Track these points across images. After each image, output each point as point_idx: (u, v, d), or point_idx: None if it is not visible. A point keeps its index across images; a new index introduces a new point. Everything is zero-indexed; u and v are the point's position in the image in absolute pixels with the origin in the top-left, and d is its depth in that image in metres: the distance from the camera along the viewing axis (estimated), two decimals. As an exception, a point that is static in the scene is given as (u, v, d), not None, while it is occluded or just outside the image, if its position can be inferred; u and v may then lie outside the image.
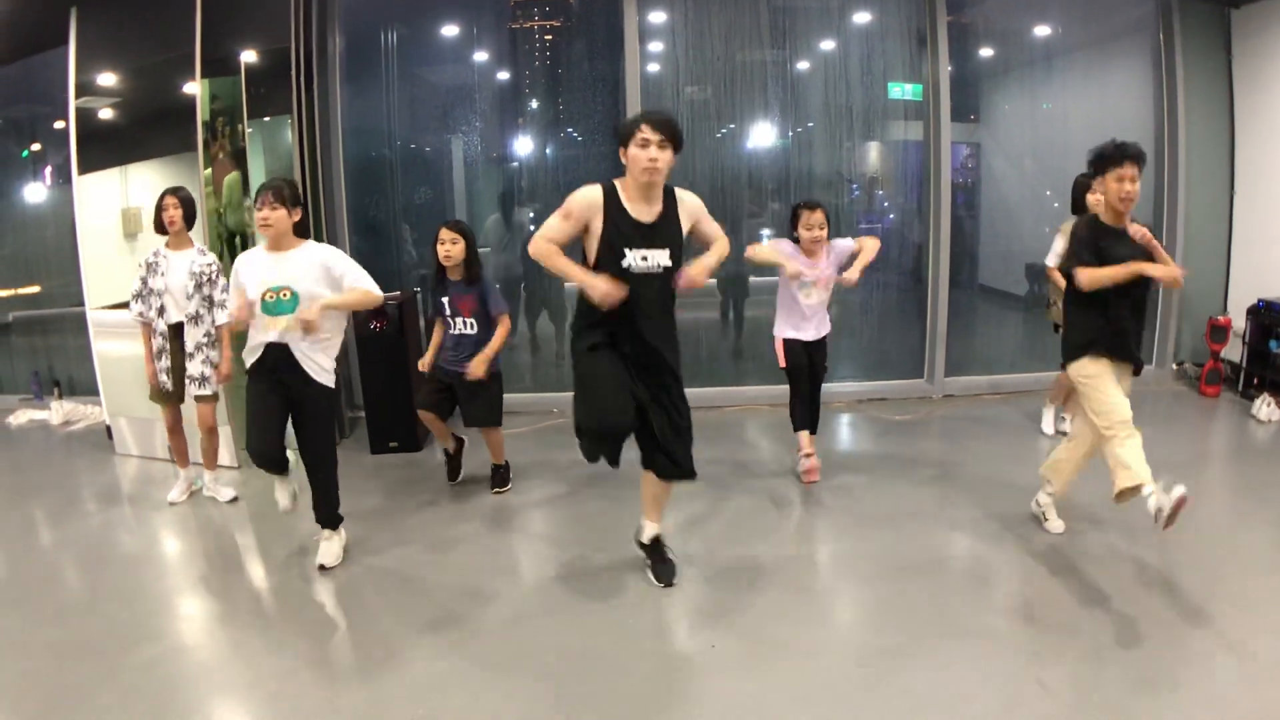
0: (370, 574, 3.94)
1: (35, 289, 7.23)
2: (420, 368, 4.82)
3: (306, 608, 3.66)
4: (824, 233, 4.57)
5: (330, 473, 3.97)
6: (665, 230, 3.35)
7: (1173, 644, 3.14)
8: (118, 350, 5.73)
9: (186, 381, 4.72)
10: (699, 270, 3.36)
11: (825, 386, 5.03)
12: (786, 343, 4.75)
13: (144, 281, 4.69)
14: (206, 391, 4.73)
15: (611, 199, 3.29)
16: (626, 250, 3.28)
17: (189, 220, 4.72)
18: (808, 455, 4.82)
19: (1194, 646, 3.12)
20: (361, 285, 3.78)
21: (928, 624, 3.36)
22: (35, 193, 7.20)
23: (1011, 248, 7.02)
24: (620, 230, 3.28)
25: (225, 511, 4.77)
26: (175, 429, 4.91)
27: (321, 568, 3.92)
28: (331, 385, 3.86)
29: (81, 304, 5.89)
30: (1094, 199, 4.98)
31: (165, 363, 4.74)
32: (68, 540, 4.46)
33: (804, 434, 4.84)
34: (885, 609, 3.54)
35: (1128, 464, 3.53)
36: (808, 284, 4.63)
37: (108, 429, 5.91)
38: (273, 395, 3.76)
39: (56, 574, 4.09)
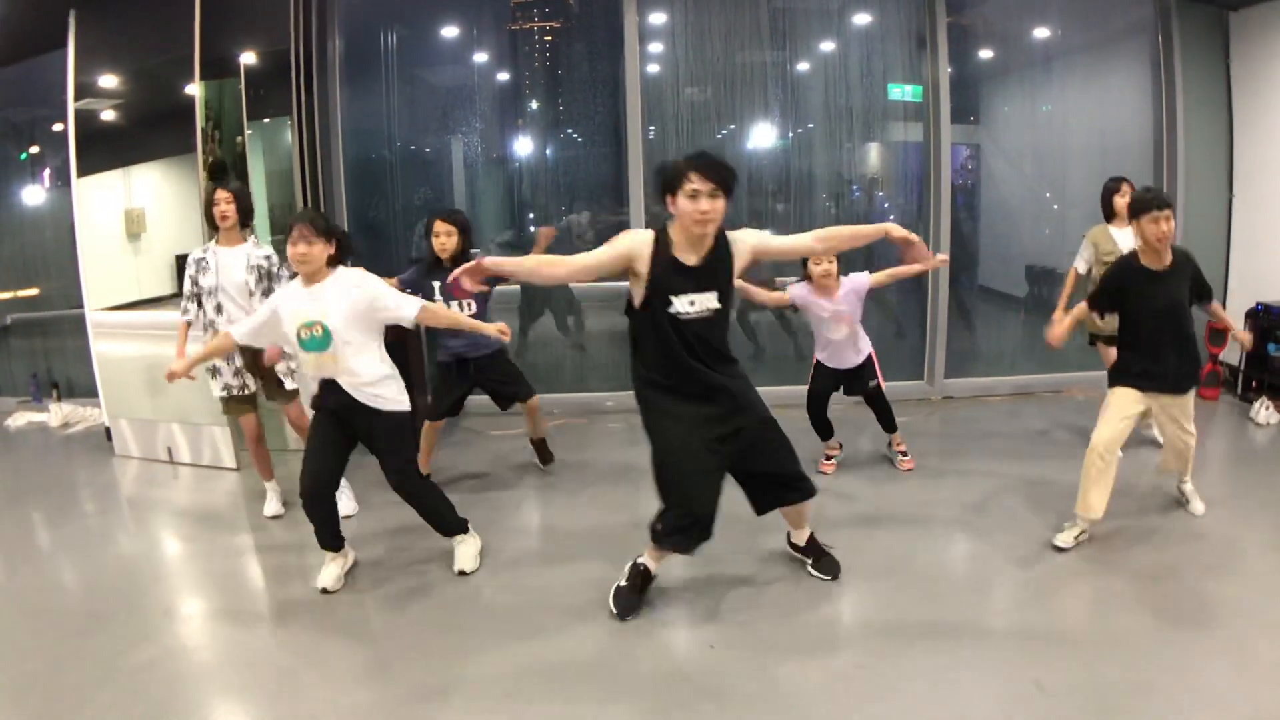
0: (371, 574, 3.92)
1: (34, 291, 7.22)
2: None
3: (306, 609, 3.64)
4: (833, 266, 4.58)
5: (427, 496, 3.84)
6: (713, 272, 3.22)
7: (1172, 645, 3.13)
8: (117, 352, 5.74)
9: (277, 378, 4.56)
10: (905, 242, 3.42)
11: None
12: (817, 365, 4.88)
13: (194, 282, 4.47)
14: (293, 385, 4.58)
15: (662, 245, 3.18)
16: (673, 297, 3.18)
17: (244, 215, 4.51)
18: (829, 456, 5.07)
19: (1193, 648, 3.11)
20: (418, 305, 3.63)
21: (926, 624, 3.35)
22: (34, 195, 7.19)
23: (1011, 249, 7.02)
24: (669, 275, 3.17)
25: (225, 513, 4.76)
26: (258, 437, 4.65)
27: (461, 573, 3.82)
28: (401, 409, 3.68)
29: (80, 306, 5.89)
30: (1122, 201, 5.01)
31: (237, 363, 4.51)
32: (67, 542, 4.45)
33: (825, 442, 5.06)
34: (883, 609, 3.53)
35: (1086, 488, 3.91)
36: (826, 318, 4.67)
37: (107, 431, 5.90)
38: (330, 429, 3.66)
39: (56, 576, 4.08)
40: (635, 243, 3.19)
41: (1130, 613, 3.38)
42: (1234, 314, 6.49)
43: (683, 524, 3.29)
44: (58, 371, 7.09)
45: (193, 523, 4.66)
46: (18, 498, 5.09)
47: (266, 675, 3.15)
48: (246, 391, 4.57)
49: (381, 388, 3.61)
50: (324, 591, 3.71)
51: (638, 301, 3.23)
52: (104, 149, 5.92)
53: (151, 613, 3.63)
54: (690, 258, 3.19)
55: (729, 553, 4.00)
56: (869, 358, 4.82)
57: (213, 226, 4.54)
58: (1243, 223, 6.66)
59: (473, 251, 4.61)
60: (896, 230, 3.39)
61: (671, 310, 3.18)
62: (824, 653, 3.21)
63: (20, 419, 6.68)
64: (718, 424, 3.29)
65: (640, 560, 3.57)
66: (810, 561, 3.78)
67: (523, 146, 6.85)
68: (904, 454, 5.05)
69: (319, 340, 3.50)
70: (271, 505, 4.66)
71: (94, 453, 5.89)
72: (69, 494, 5.16)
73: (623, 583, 3.54)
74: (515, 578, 3.90)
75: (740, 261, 3.30)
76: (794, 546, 3.84)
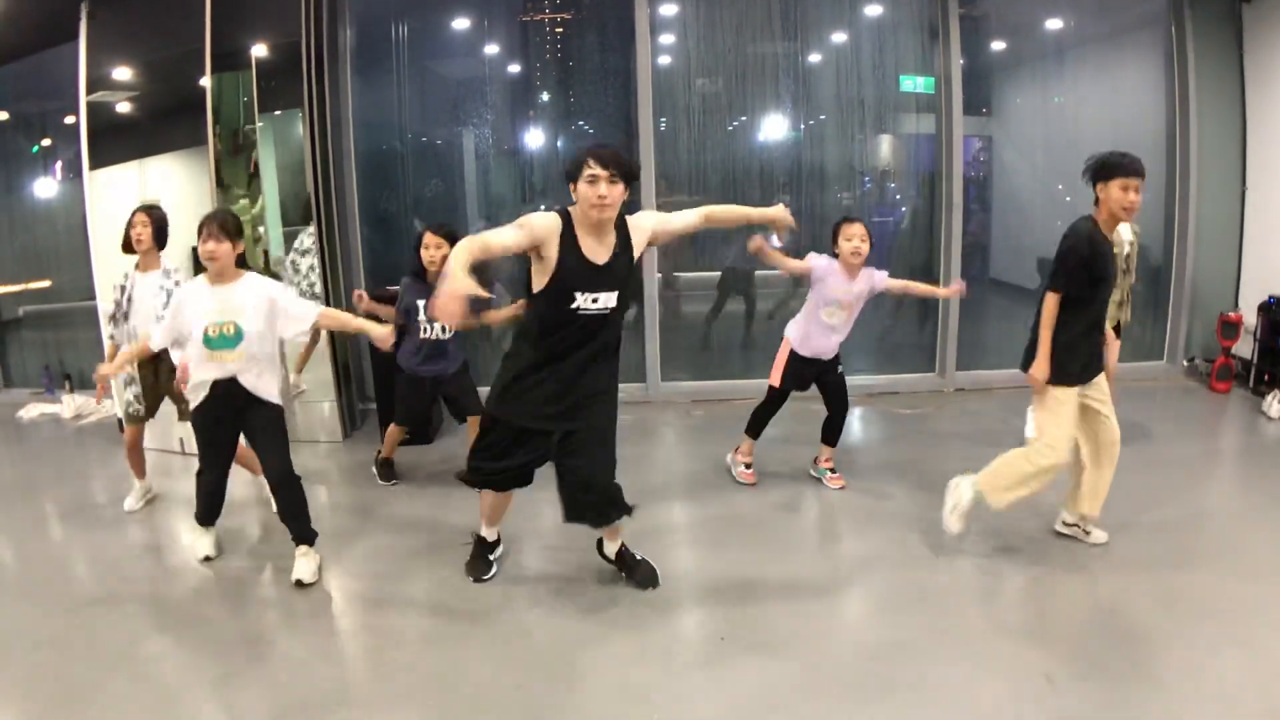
0: (379, 565, 3.95)
1: (46, 283, 7.24)
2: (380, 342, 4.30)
3: (316, 600, 3.66)
4: (865, 246, 4.33)
5: (296, 489, 3.86)
6: (618, 270, 3.22)
7: (1181, 641, 3.13)
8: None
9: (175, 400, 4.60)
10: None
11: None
12: (792, 355, 4.56)
13: (117, 304, 4.48)
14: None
15: (568, 232, 3.15)
16: (578, 294, 3.16)
17: (159, 239, 4.42)
18: (748, 464, 4.82)
19: (1202, 643, 3.10)
20: (317, 311, 3.81)
21: (936, 618, 3.35)
22: (46, 188, 7.21)
23: (1023, 241, 7.00)
24: (575, 271, 3.14)
25: (235, 503, 4.75)
26: (135, 446, 4.66)
27: (299, 583, 3.74)
28: (280, 404, 3.83)
29: (92, 298, 5.90)
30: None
31: (135, 388, 4.57)
32: (79, 533, 4.47)
33: (749, 442, 4.83)
34: (894, 603, 3.53)
35: (1014, 487, 3.71)
36: (836, 299, 4.43)
37: (119, 422, 5.91)
38: (220, 429, 3.80)
39: (67, 566, 4.10)
40: (545, 226, 3.13)
41: (1140, 608, 3.37)
42: (1246, 307, 6.48)
43: (481, 478, 3.54)
44: (70, 363, 7.11)
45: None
46: (31, 489, 5.12)
47: (277, 666, 3.16)
48: (143, 413, 4.62)
49: (273, 384, 3.78)
50: (299, 584, 3.74)
51: (538, 286, 3.19)
52: (116, 142, 5.94)
53: (161, 604, 3.65)
54: (599, 255, 3.17)
55: (737, 546, 4.01)
56: (838, 355, 4.62)
57: (128, 249, 4.44)
58: (1256, 216, 6.63)
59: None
60: (783, 217, 3.60)
61: (574, 305, 3.17)
62: (834, 646, 3.21)
63: (33, 410, 6.70)
64: (556, 420, 3.33)
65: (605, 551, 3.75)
66: (625, 575, 3.71)
67: (534, 138, 6.84)
68: (833, 470, 4.75)
69: (229, 339, 3.61)
70: (134, 499, 4.76)
71: (106, 444, 5.91)
72: (81, 485, 5.18)
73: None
74: (522, 570, 3.92)
75: (639, 247, 3.34)
76: (605, 557, 3.79)
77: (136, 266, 4.47)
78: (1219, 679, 2.89)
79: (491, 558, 3.84)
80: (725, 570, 3.74)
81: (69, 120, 6.59)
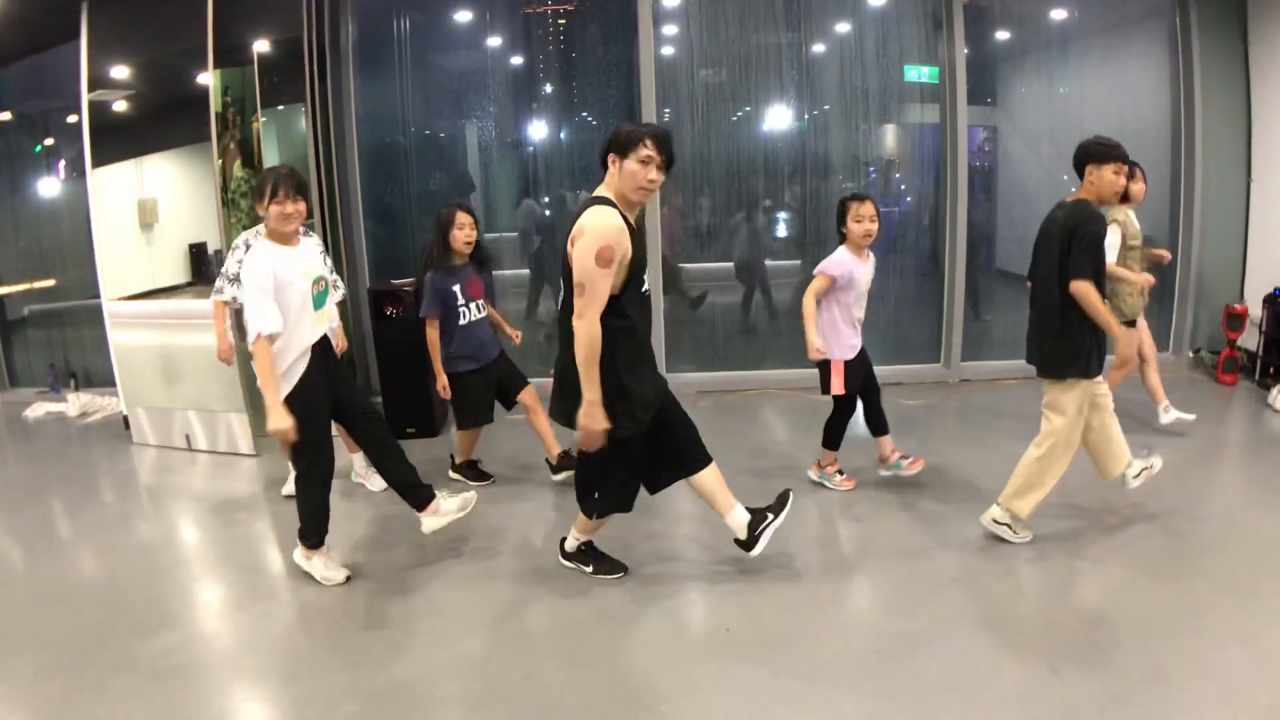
0: (387, 560, 3.94)
1: (51, 282, 7.24)
2: (443, 393, 4.49)
3: (324, 594, 3.65)
4: (875, 226, 4.19)
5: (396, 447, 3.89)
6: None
7: (1187, 633, 3.11)
8: (134, 341, 5.75)
9: None
10: None
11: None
12: (848, 366, 4.30)
13: (240, 264, 4.38)
14: None
15: (626, 222, 3.02)
16: (645, 276, 3.12)
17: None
18: (841, 470, 4.61)
19: (1209, 636, 3.09)
20: (342, 293, 3.95)
21: (942, 610, 3.34)
22: (49, 187, 7.22)
23: (1029, 232, 6.90)
24: (639, 255, 3.08)
25: (243, 500, 4.78)
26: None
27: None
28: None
29: (97, 296, 5.90)
30: (1138, 187, 4.93)
31: None
32: (86, 531, 4.47)
33: (830, 454, 4.59)
34: (899, 594, 3.52)
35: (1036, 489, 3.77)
36: (860, 293, 4.27)
37: (125, 419, 5.93)
38: (323, 401, 3.59)
39: (75, 564, 4.09)
40: (622, 232, 2.99)
41: (1146, 600, 3.36)
42: (1252, 299, 6.46)
43: (621, 500, 3.46)
44: (75, 361, 7.12)
45: (211, 509, 4.67)
46: (37, 487, 5.12)
47: (286, 660, 3.16)
48: None
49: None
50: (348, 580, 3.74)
51: (614, 286, 3.05)
52: (119, 139, 5.93)
53: (170, 600, 3.65)
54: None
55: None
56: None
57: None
58: (1261, 207, 6.61)
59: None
60: None
61: (644, 289, 3.14)
62: (839, 637, 3.21)
63: (39, 409, 6.71)
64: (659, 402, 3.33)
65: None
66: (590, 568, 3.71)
67: (537, 130, 6.83)
68: (905, 455, 4.61)
69: (320, 295, 3.58)
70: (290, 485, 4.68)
71: (112, 441, 5.92)
72: (88, 483, 5.18)
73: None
74: (530, 562, 3.92)
75: None
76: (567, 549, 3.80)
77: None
78: (1225, 673, 2.87)
79: (606, 552, 3.76)
80: (731, 562, 3.73)
81: (71, 119, 6.60)
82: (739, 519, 3.50)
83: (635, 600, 3.48)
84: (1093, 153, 3.66)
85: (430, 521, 3.79)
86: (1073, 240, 3.58)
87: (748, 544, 3.50)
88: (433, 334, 4.42)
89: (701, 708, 2.80)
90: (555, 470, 4.77)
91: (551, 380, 3.29)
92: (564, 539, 3.77)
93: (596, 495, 3.48)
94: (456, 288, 4.41)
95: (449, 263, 4.41)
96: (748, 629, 3.25)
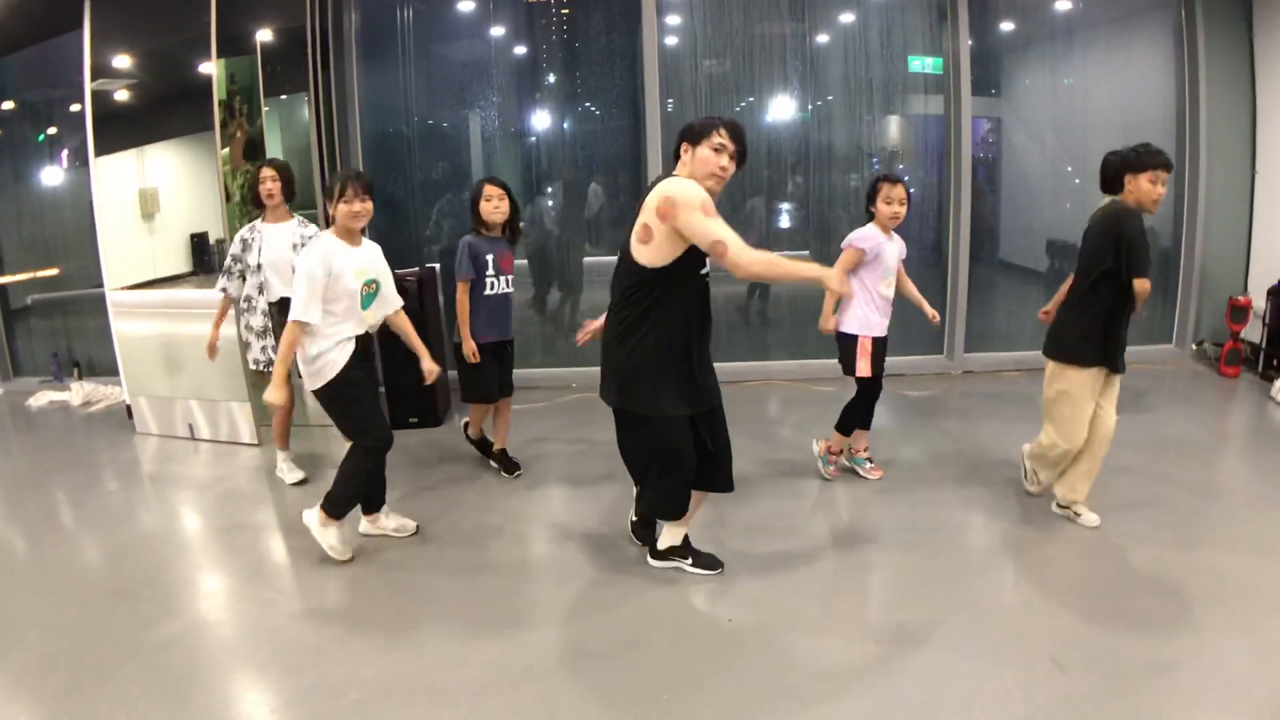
0: (392, 550, 3.94)
1: (54, 271, 7.24)
2: (471, 357, 4.50)
3: (328, 583, 3.66)
4: (903, 209, 4.14)
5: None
6: None
7: (1189, 626, 3.11)
8: (137, 330, 5.76)
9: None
10: None
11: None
12: (876, 343, 4.28)
13: (235, 259, 4.66)
14: None
15: None
16: (706, 258, 3.11)
17: (288, 192, 4.65)
18: (869, 459, 4.61)
19: (1210, 629, 3.08)
20: (400, 304, 3.92)
21: (944, 601, 3.34)
22: (52, 176, 7.21)
23: (1032, 223, 6.96)
24: None
25: (245, 488, 4.78)
26: (285, 411, 4.68)
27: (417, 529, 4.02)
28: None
29: (100, 285, 5.90)
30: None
31: (269, 340, 4.74)
32: (89, 520, 4.47)
33: (864, 433, 4.60)
34: (902, 586, 3.52)
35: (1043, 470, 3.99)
36: (889, 271, 4.22)
37: (128, 409, 5.93)
38: (367, 387, 3.75)
39: (78, 554, 4.10)
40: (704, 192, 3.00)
41: (1148, 593, 3.35)
42: (1256, 291, 6.45)
43: (677, 495, 3.40)
44: (78, 350, 7.14)
45: (214, 498, 4.68)
46: (41, 477, 5.13)
47: (288, 649, 3.16)
48: (262, 369, 4.71)
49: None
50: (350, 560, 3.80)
51: (664, 261, 3.05)
52: (121, 128, 5.91)
53: (173, 589, 3.66)
54: None
55: (745, 528, 4.00)
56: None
57: (258, 204, 4.63)
58: (1265, 199, 6.60)
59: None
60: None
61: (704, 270, 3.13)
62: (841, 628, 3.20)
63: (42, 398, 6.72)
64: (710, 396, 3.31)
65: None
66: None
67: (540, 120, 6.82)
68: (870, 460, 4.62)
69: (371, 296, 3.70)
70: (294, 474, 4.79)
71: (115, 430, 5.93)
72: (91, 472, 5.18)
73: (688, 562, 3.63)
74: (534, 554, 3.93)
75: None
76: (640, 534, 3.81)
77: (263, 219, 4.67)
78: (1227, 664, 2.87)
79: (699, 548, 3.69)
80: (733, 554, 3.73)
81: (74, 108, 6.59)
82: (676, 533, 3.60)
83: (636, 591, 3.48)
84: (1130, 160, 3.61)
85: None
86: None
87: (654, 551, 3.66)
88: (462, 296, 4.48)
89: (703, 697, 2.80)
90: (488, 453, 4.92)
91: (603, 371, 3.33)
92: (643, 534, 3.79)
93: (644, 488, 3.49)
94: (490, 256, 4.48)
95: (483, 232, 4.50)
96: (749, 620, 3.25)
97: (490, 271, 4.48)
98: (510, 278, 4.56)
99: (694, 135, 3.07)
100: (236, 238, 4.66)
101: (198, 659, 3.12)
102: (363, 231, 3.73)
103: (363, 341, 3.70)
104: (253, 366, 4.91)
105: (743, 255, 2.91)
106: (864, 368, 4.28)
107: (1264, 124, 6.54)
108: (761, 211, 6.77)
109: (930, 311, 4.41)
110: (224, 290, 4.70)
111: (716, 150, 3.03)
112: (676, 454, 3.27)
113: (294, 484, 4.74)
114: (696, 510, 3.59)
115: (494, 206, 4.44)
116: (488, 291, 4.50)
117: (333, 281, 3.53)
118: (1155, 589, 3.37)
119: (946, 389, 6.28)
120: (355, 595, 3.56)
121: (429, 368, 3.90)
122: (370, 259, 3.72)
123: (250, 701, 2.89)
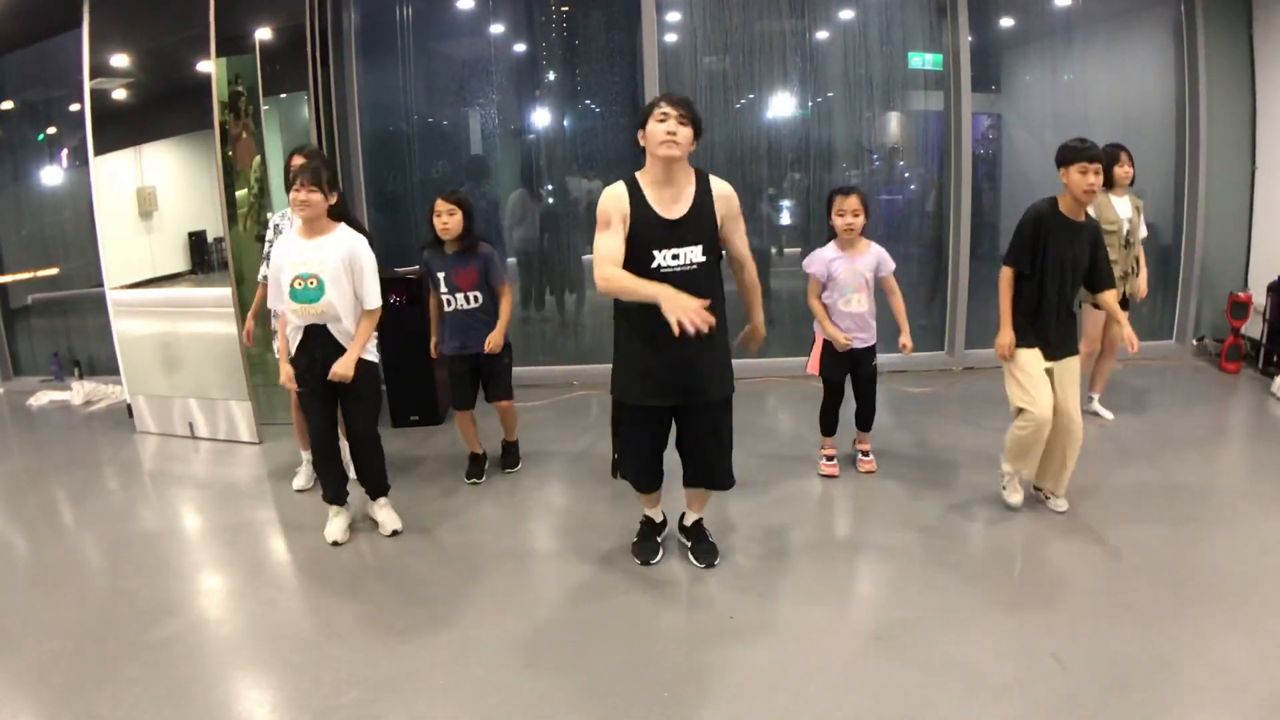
0: (392, 549, 3.95)
1: (54, 271, 7.24)
2: (433, 354, 4.63)
3: (328, 582, 3.66)
4: (858, 220, 4.20)
5: (374, 449, 3.99)
6: (699, 222, 3.16)
7: (1189, 621, 3.11)
8: (138, 329, 5.76)
9: None
10: (755, 337, 3.63)
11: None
12: (825, 349, 4.41)
13: (270, 244, 4.48)
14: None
15: (635, 192, 3.13)
16: (655, 251, 3.12)
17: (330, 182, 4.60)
18: (829, 457, 4.61)
19: (1210, 625, 3.08)
20: (368, 302, 3.78)
21: (944, 598, 3.34)
22: (52, 175, 7.21)
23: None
24: (648, 227, 3.11)
25: (245, 487, 4.78)
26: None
27: (395, 534, 4.01)
28: (373, 359, 3.95)
29: (100, 284, 5.90)
30: (1123, 171, 4.97)
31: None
32: (90, 518, 4.48)
33: (829, 438, 4.63)
34: (902, 582, 3.52)
35: (1020, 458, 3.93)
36: (850, 289, 4.28)
37: (128, 407, 5.94)
38: (312, 374, 3.77)
39: (79, 552, 4.10)
40: (617, 199, 3.13)
41: (1148, 588, 3.35)
42: (1256, 287, 6.44)
43: (632, 477, 3.55)
44: (79, 350, 7.13)
45: (214, 497, 4.69)
46: (41, 476, 5.13)
47: (289, 648, 3.16)
48: None
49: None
50: (334, 544, 3.92)
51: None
52: (121, 127, 5.91)
53: (174, 587, 3.66)
54: (672, 209, 3.15)
55: (746, 525, 4.00)
56: (873, 346, 4.45)
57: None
58: (1266, 195, 6.59)
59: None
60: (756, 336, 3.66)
61: (654, 265, 3.13)
62: (841, 624, 3.21)
63: (43, 398, 6.72)
64: (673, 394, 3.32)
65: (683, 521, 3.76)
66: (691, 545, 3.72)
67: (540, 118, 6.81)
68: (866, 454, 4.65)
69: (312, 292, 3.65)
70: (300, 479, 4.71)
71: (116, 429, 5.93)
72: (92, 471, 5.19)
73: (687, 543, 3.73)
74: (535, 553, 3.94)
75: (721, 209, 3.25)
76: (684, 529, 3.78)
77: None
78: (1228, 660, 2.87)
79: (659, 539, 3.78)
80: (733, 549, 3.74)
81: (74, 108, 6.59)
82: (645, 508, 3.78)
83: (638, 586, 3.49)
84: (1059, 155, 3.85)
85: (385, 516, 4.07)
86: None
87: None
88: (431, 301, 4.58)
89: (704, 693, 2.80)
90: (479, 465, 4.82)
91: None
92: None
93: (618, 455, 3.60)
94: (441, 274, 4.42)
95: (438, 248, 4.45)
96: (751, 615, 3.25)
97: (444, 289, 4.42)
98: (472, 294, 4.40)
99: (642, 119, 3.19)
100: (270, 224, 4.54)
101: (198, 658, 3.12)
102: (359, 226, 3.73)
103: (311, 333, 3.74)
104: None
105: (595, 270, 3.09)
106: (811, 364, 4.50)
107: (1264, 119, 6.52)
108: (761, 209, 6.76)
109: (903, 340, 4.43)
110: (263, 279, 4.49)
111: (661, 120, 3.10)
112: (627, 440, 3.50)
113: (296, 490, 4.66)
114: (658, 502, 3.72)
115: (443, 223, 4.34)
116: (447, 308, 4.46)
117: (275, 270, 3.73)
118: (1155, 585, 3.36)
119: (947, 385, 6.28)
120: (356, 594, 3.56)
121: (342, 372, 3.76)
122: (319, 256, 3.65)
123: (251, 700, 2.89)
